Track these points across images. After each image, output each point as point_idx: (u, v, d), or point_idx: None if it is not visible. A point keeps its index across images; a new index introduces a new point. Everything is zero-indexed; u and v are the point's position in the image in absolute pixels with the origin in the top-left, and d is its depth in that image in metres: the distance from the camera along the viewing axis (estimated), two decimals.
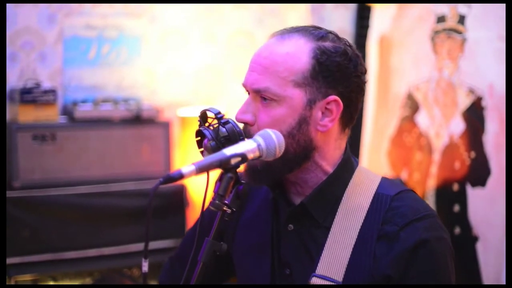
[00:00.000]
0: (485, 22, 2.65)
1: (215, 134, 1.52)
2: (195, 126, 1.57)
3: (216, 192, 1.42)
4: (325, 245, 1.53)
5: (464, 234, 2.67)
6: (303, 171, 1.56)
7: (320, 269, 1.51)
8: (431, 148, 2.88)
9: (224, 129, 1.52)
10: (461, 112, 2.73)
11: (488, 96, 2.61)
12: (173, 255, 1.90)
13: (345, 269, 1.50)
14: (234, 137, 1.51)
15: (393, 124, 3.10)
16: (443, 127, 2.82)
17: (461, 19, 2.74)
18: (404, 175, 3.02)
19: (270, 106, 1.52)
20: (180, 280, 1.49)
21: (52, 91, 3.13)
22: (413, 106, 2.99)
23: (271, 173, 1.54)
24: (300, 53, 1.51)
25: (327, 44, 1.53)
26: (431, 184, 2.86)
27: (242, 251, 1.70)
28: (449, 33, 2.80)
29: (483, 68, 2.64)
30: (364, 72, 1.57)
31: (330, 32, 1.57)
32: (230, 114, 1.60)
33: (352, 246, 1.51)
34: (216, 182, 1.45)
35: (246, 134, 1.52)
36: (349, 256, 1.50)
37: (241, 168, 1.48)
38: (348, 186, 1.57)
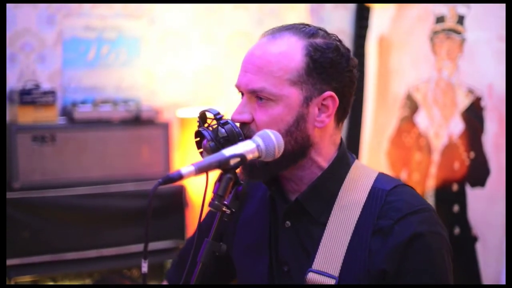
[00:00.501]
0: (484, 23, 2.65)
1: (214, 134, 1.52)
2: (195, 127, 1.57)
3: (215, 192, 1.42)
4: (321, 240, 1.53)
5: (464, 234, 2.67)
6: (298, 168, 1.57)
7: (316, 264, 1.52)
8: (430, 148, 2.88)
9: (223, 130, 1.52)
10: (460, 112, 2.73)
11: (487, 96, 2.61)
12: (179, 254, 1.91)
13: (341, 264, 1.50)
14: (233, 137, 1.51)
15: (393, 125, 3.10)
16: (442, 127, 2.82)
17: (460, 20, 2.74)
18: (403, 175, 3.02)
19: (267, 106, 1.52)
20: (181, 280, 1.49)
21: (52, 92, 3.13)
22: (412, 106, 2.99)
23: (268, 170, 1.54)
24: (294, 52, 1.52)
25: (319, 40, 1.54)
26: (431, 184, 2.86)
27: (241, 250, 1.70)
28: (448, 34, 2.80)
29: (482, 68, 2.64)
30: (354, 66, 1.58)
31: (320, 29, 1.58)
32: (230, 115, 1.60)
33: (348, 241, 1.51)
34: (215, 183, 1.45)
35: (244, 133, 1.53)
36: (345, 251, 1.51)
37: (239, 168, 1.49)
38: (344, 182, 1.58)
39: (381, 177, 1.60)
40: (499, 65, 2.52)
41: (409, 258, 1.48)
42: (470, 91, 2.69)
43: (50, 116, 3.12)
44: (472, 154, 2.67)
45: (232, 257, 1.74)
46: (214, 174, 1.45)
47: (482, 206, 2.62)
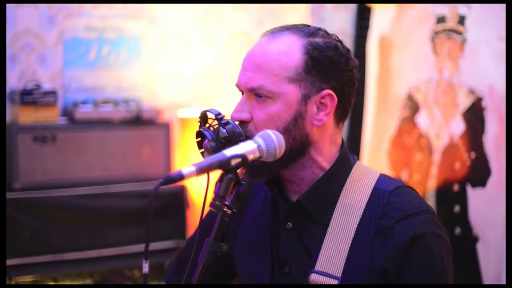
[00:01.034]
0: (485, 23, 2.65)
1: (215, 135, 1.52)
2: (195, 127, 1.58)
3: (216, 193, 1.42)
4: (324, 241, 1.53)
5: (465, 235, 2.67)
6: (299, 168, 1.57)
7: (319, 266, 1.52)
8: (431, 148, 2.88)
9: (224, 130, 1.52)
10: (461, 112, 2.73)
11: (488, 97, 2.61)
12: (178, 255, 1.91)
13: (343, 265, 1.50)
14: (234, 138, 1.51)
15: (393, 125, 3.10)
16: (443, 128, 2.82)
17: (461, 20, 2.74)
18: (404, 176, 3.02)
19: (265, 103, 1.53)
20: (182, 281, 1.49)
21: (53, 93, 3.13)
22: (413, 106, 2.99)
23: (268, 169, 1.54)
24: (293, 50, 1.53)
25: (318, 40, 1.55)
26: (432, 184, 2.86)
27: (243, 251, 1.70)
28: (449, 34, 2.80)
29: (483, 68, 2.64)
30: (354, 66, 1.59)
31: (320, 29, 1.59)
32: (230, 115, 1.60)
33: (350, 242, 1.51)
34: (216, 183, 1.45)
35: (244, 132, 1.53)
36: (347, 252, 1.51)
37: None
38: (346, 183, 1.58)
39: (382, 178, 1.60)
40: (500, 65, 2.52)
41: (409, 259, 1.48)
42: (471, 91, 2.69)
43: (51, 116, 3.12)
44: (473, 155, 2.67)
45: (233, 257, 1.74)
46: (215, 175, 1.45)
47: (483, 206, 2.62)
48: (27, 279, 2.90)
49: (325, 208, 1.56)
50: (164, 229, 3.11)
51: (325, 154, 1.58)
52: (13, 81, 3.22)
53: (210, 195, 1.44)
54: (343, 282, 1.49)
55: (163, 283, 1.92)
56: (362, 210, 1.53)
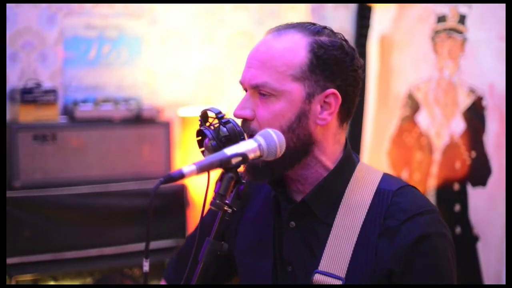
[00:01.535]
0: (485, 22, 2.65)
1: (215, 133, 1.52)
2: (196, 126, 1.57)
3: (217, 191, 1.42)
4: (327, 241, 1.53)
5: (465, 234, 2.67)
6: (303, 167, 1.56)
7: (322, 266, 1.51)
8: (431, 147, 2.88)
9: (225, 129, 1.52)
10: (461, 111, 2.73)
11: (488, 96, 2.61)
12: (177, 253, 1.90)
13: (347, 265, 1.50)
14: (235, 136, 1.51)
15: (394, 124, 3.10)
16: (443, 127, 2.82)
17: (462, 19, 2.74)
18: (404, 175, 3.02)
19: (269, 101, 1.52)
20: (182, 280, 1.49)
21: (53, 91, 3.13)
22: (413, 106, 2.99)
23: (272, 170, 1.54)
24: (298, 48, 1.52)
25: (324, 38, 1.54)
26: (432, 183, 2.86)
27: (244, 250, 1.70)
28: (450, 33, 2.80)
29: (484, 67, 2.64)
30: (360, 66, 1.58)
31: (326, 28, 1.59)
32: (231, 114, 1.60)
33: (354, 242, 1.51)
34: (216, 182, 1.44)
35: (245, 130, 1.52)
36: (351, 252, 1.50)
37: (241, 168, 1.48)
38: (350, 182, 1.57)
39: (386, 178, 1.60)
40: (501, 64, 2.52)
41: (415, 259, 1.48)
42: (472, 90, 2.68)
43: (51, 115, 3.12)
44: (473, 154, 2.67)
45: (234, 256, 1.73)
46: (216, 173, 1.45)
47: (483, 205, 2.62)
48: (27, 277, 2.90)
49: (329, 207, 1.56)
50: (165, 228, 3.11)
51: (329, 153, 1.58)
52: (14, 80, 3.22)
53: (211, 194, 1.44)
54: (346, 282, 1.49)
55: (161, 282, 1.92)
56: (366, 210, 1.53)
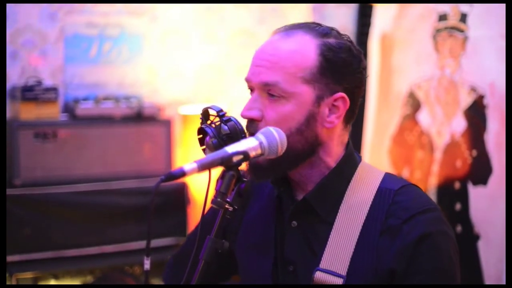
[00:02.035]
0: (486, 21, 2.65)
1: (217, 131, 1.51)
2: (197, 124, 1.57)
3: (218, 190, 1.41)
4: (329, 239, 1.52)
5: (466, 233, 2.67)
6: (307, 166, 1.56)
7: (323, 264, 1.51)
8: (432, 146, 2.88)
9: (226, 127, 1.51)
10: (462, 110, 2.73)
11: (489, 95, 2.60)
12: (177, 252, 1.90)
13: (348, 263, 1.49)
14: (236, 134, 1.50)
15: (395, 123, 3.10)
16: (444, 126, 2.82)
17: (463, 18, 2.74)
18: (405, 174, 3.02)
19: (278, 103, 1.50)
20: (182, 279, 1.49)
21: (54, 89, 3.13)
22: (414, 104, 2.99)
23: (275, 169, 1.53)
24: (307, 50, 1.51)
25: (332, 40, 1.54)
26: (433, 182, 2.86)
27: (245, 249, 1.70)
28: (451, 32, 2.80)
29: (485, 66, 2.64)
30: (365, 67, 1.58)
31: (332, 29, 1.58)
32: (232, 112, 1.59)
33: (356, 240, 1.50)
34: (217, 180, 1.44)
35: (252, 131, 1.51)
36: (353, 250, 1.50)
37: (243, 166, 1.48)
38: (351, 181, 1.57)
39: (388, 177, 1.59)
40: (502, 63, 2.52)
41: (418, 258, 1.47)
42: (473, 89, 2.68)
43: (52, 112, 3.12)
44: (474, 152, 2.67)
45: (235, 254, 1.73)
46: (217, 172, 1.45)
47: (484, 204, 2.62)
48: (27, 275, 2.90)
49: (331, 206, 1.55)
50: (165, 226, 3.11)
51: (333, 154, 1.57)
52: (14, 78, 3.22)
53: (212, 192, 1.44)
54: (348, 280, 1.48)
55: (162, 279, 1.92)
56: (368, 209, 1.53)
